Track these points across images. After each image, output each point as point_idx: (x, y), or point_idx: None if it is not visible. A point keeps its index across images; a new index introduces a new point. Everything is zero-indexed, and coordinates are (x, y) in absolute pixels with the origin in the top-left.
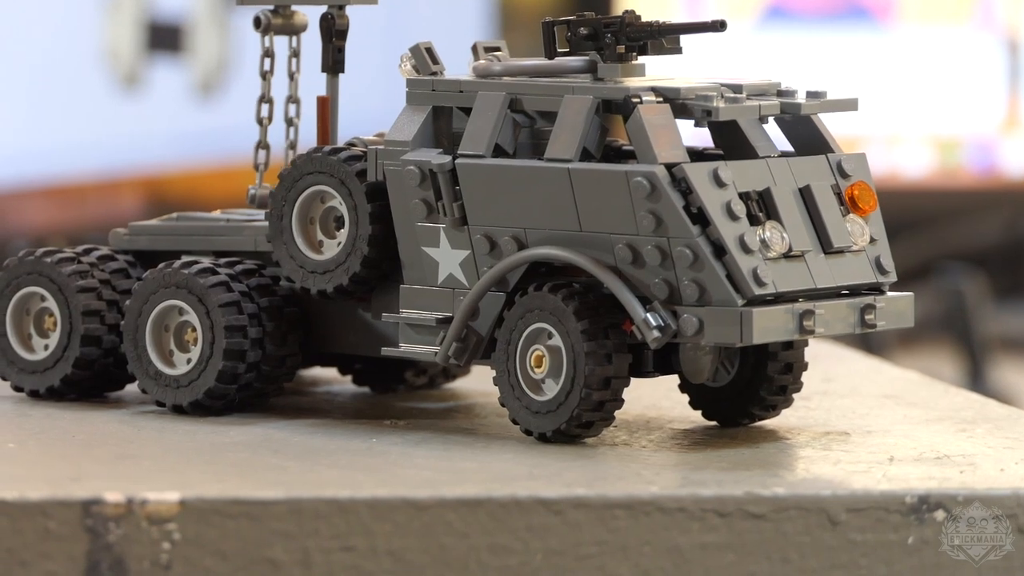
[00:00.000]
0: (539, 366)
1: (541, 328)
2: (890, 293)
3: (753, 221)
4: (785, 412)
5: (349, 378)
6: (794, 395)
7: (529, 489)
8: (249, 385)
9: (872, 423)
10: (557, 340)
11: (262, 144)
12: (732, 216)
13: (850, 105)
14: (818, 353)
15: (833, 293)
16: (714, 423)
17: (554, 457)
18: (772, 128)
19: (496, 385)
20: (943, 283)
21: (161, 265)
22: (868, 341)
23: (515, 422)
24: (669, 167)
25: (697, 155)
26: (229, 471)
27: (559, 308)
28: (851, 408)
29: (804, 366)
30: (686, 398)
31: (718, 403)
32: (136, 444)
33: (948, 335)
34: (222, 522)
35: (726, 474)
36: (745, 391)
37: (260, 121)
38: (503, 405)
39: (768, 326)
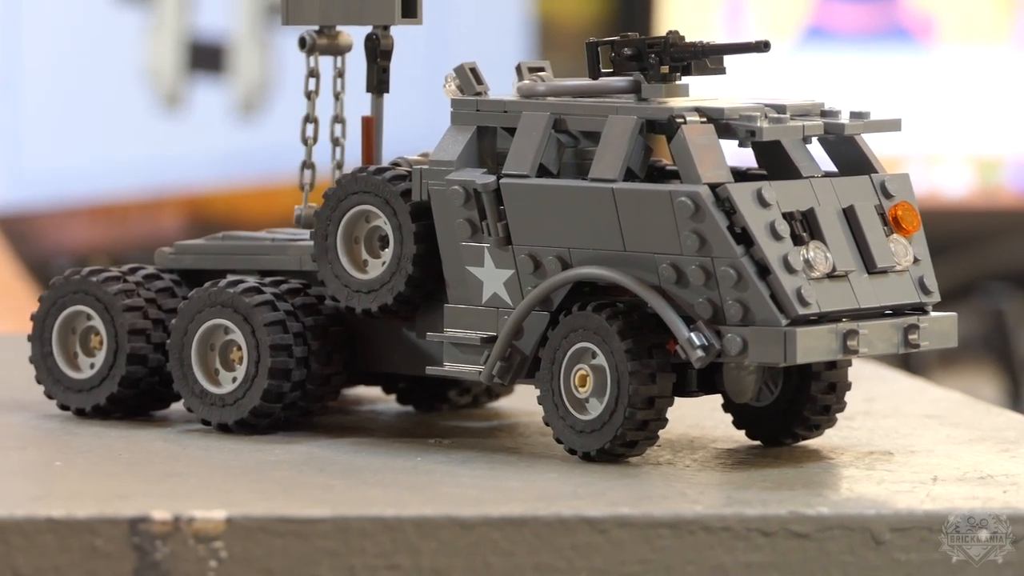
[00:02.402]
0: (583, 385)
1: (585, 348)
2: (933, 313)
3: (797, 241)
4: (828, 432)
5: (393, 397)
6: (837, 415)
7: (574, 508)
8: (294, 404)
9: (915, 443)
10: (601, 359)
11: (307, 164)
12: (776, 236)
13: (894, 125)
14: (860, 373)
15: (877, 313)
16: (757, 443)
17: (598, 476)
18: (816, 148)
19: (540, 404)
20: (984, 303)
21: (207, 284)
22: (908, 361)
23: (559, 441)
24: (713, 187)
25: (741, 175)
26: (275, 489)
27: (603, 328)
28: (894, 428)
29: (848, 386)
30: (729, 418)
31: (761, 423)
32: (182, 462)
33: (988, 355)
34: (268, 540)
35: (770, 493)
36: (788, 411)
37: (305, 141)
38: (547, 424)
39: (812, 346)
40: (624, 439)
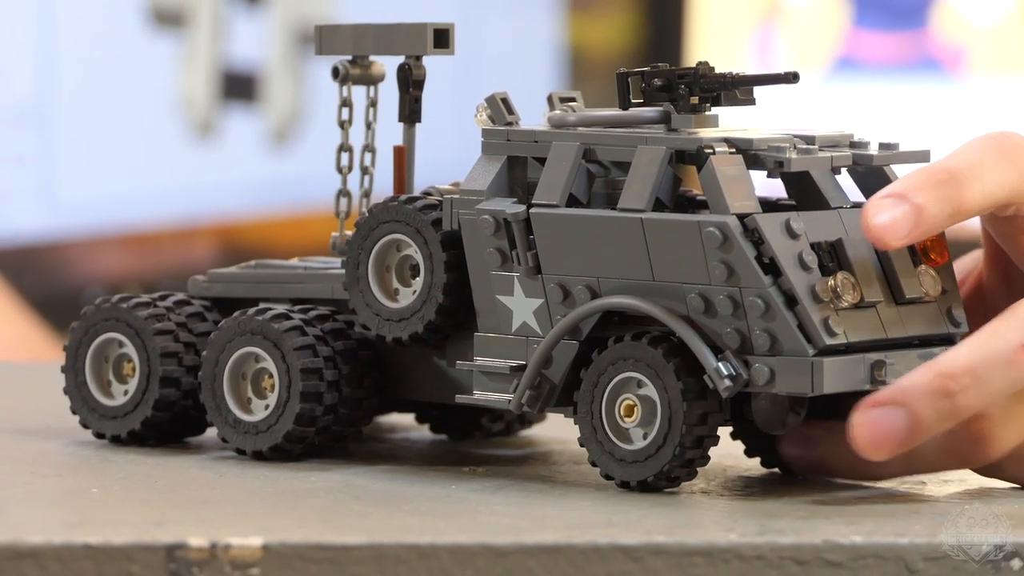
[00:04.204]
0: (629, 415)
1: (631, 377)
2: None
3: (825, 271)
4: None
5: (426, 425)
6: None
7: (608, 536)
8: (327, 428)
9: (948, 471)
10: (649, 391)
11: (343, 192)
12: (804, 266)
13: (922, 157)
14: None
15: (904, 343)
16: (781, 470)
17: (632, 504)
18: (845, 179)
19: (576, 425)
20: None
21: (236, 313)
22: None
23: (594, 464)
24: (741, 217)
25: (770, 206)
26: (311, 516)
27: (658, 362)
28: None
29: None
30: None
31: (778, 450)
32: (218, 489)
33: None
34: (304, 567)
35: (804, 522)
36: None
37: (340, 170)
38: (582, 445)
39: (839, 376)
40: (669, 475)
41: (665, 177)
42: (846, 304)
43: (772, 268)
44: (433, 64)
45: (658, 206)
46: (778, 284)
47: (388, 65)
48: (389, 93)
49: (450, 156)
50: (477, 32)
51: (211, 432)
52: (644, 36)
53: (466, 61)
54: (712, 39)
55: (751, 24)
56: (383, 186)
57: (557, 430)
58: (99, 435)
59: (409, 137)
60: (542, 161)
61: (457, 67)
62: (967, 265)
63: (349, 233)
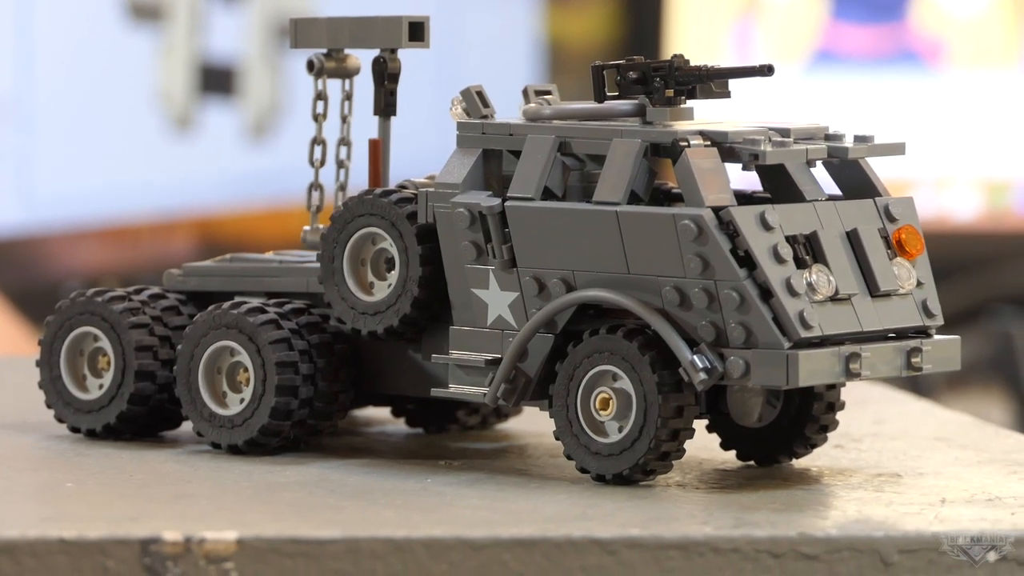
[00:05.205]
0: (605, 408)
1: (607, 370)
2: (937, 336)
3: (800, 264)
4: (837, 454)
5: (402, 419)
6: (828, 434)
7: (583, 529)
8: (303, 422)
9: (924, 465)
10: (625, 384)
11: (315, 185)
12: (779, 259)
13: (897, 149)
14: (870, 396)
15: (879, 336)
16: (757, 463)
17: (608, 498)
18: (820, 172)
19: (552, 418)
20: (992, 326)
21: (211, 307)
22: (916, 383)
23: (570, 457)
24: (716, 210)
25: (745, 198)
26: (286, 510)
27: (634, 355)
28: (903, 450)
29: (841, 405)
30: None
31: (756, 442)
32: (193, 483)
33: (997, 378)
34: (279, 561)
35: (779, 515)
36: (786, 430)
37: (313, 163)
38: (558, 439)
39: (814, 369)
40: (644, 468)
41: (640, 170)
42: (821, 297)
43: (747, 261)
44: (411, 57)
45: (633, 199)
46: (753, 277)
47: (363, 58)
48: (365, 86)
49: (430, 150)
50: (455, 25)
51: (186, 426)
52: (623, 29)
53: (444, 54)
54: (691, 32)
55: (730, 17)
56: (358, 179)
57: (533, 423)
58: (74, 429)
59: (384, 130)
60: (517, 154)
61: (435, 60)
62: None
63: (321, 227)
